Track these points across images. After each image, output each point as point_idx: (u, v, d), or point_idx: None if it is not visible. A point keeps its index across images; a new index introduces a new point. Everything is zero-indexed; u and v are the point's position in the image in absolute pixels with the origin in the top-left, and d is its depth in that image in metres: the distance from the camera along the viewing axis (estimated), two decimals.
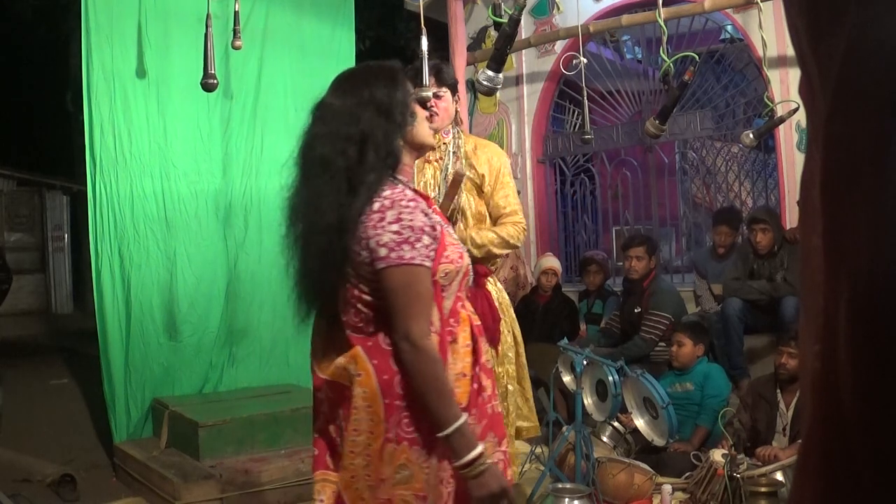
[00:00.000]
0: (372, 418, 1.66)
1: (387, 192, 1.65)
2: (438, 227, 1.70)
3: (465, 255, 1.80)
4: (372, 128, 1.67)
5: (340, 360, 1.71)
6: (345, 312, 1.72)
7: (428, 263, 1.65)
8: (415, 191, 1.78)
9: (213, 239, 5.00)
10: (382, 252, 1.61)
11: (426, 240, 1.64)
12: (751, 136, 4.63)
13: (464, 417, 1.63)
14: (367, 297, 1.68)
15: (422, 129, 1.81)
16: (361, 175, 1.65)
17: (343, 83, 1.77)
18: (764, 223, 4.89)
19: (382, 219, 1.63)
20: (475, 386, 1.76)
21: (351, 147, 1.66)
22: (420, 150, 1.87)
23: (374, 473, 1.66)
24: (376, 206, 1.64)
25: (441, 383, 1.63)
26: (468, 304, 1.86)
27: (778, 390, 3.94)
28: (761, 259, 4.92)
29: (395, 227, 1.62)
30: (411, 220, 1.63)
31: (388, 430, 1.65)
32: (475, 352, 1.78)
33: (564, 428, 3.84)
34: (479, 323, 1.86)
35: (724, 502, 3.32)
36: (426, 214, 1.67)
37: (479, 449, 1.63)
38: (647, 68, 6.59)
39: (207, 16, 3.71)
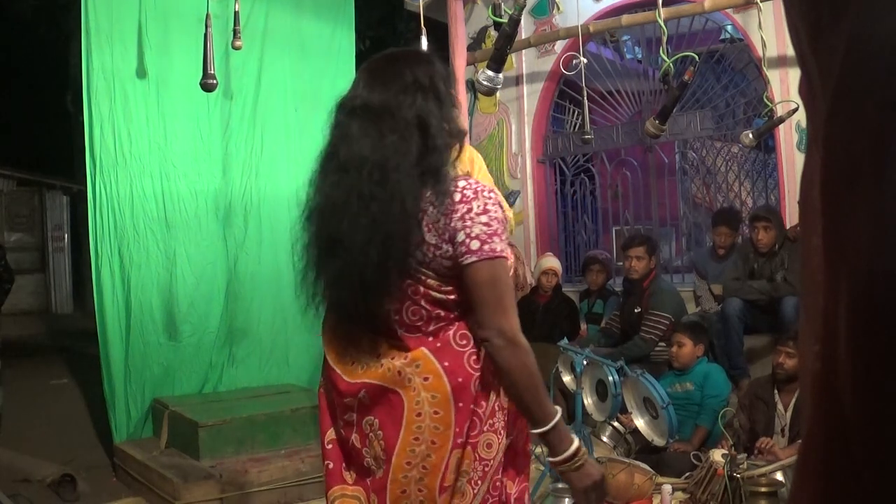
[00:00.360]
0: (437, 425, 1.55)
1: (462, 183, 1.56)
2: None
3: None
4: (427, 113, 1.56)
5: (394, 362, 1.57)
6: (398, 311, 1.58)
7: (510, 257, 1.59)
8: None
9: (213, 239, 5.00)
10: (474, 245, 1.51)
11: (505, 233, 1.58)
12: (751, 136, 4.64)
13: (559, 412, 1.56)
14: (437, 294, 1.56)
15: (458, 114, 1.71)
16: (431, 164, 1.54)
17: (375, 74, 1.63)
18: (766, 220, 4.90)
19: (469, 210, 1.52)
20: None
21: (412, 136, 1.54)
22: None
23: (430, 486, 1.56)
24: (457, 196, 1.53)
25: (538, 379, 1.55)
26: None
27: (776, 391, 3.94)
28: (762, 258, 4.91)
29: (484, 219, 1.52)
30: (496, 212, 1.54)
31: (458, 436, 1.55)
32: None
33: None
34: None
35: (724, 502, 3.32)
36: (501, 207, 1.59)
37: (577, 442, 1.57)
38: (647, 68, 6.59)
39: (207, 16, 3.72)
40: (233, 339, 5.08)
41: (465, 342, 1.58)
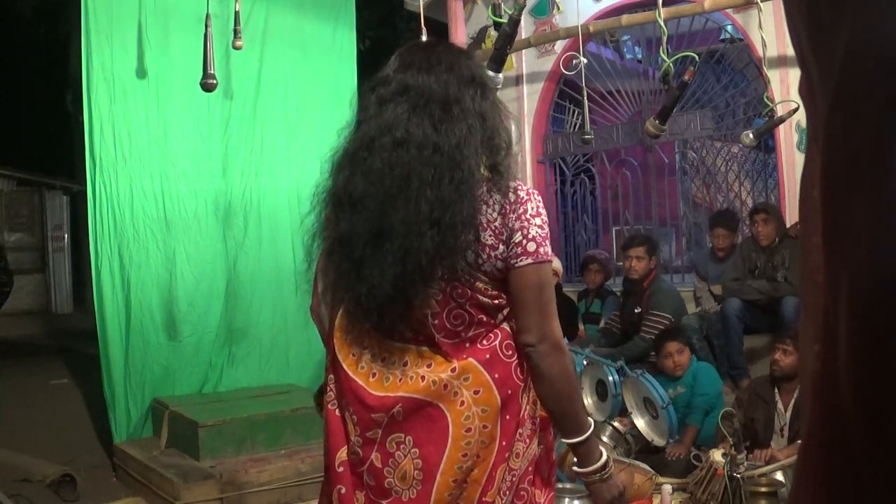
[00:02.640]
0: (485, 440, 1.48)
1: (513, 184, 1.51)
2: None
3: None
4: (487, 111, 1.52)
5: (440, 375, 1.47)
6: (437, 315, 1.47)
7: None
8: None
9: (213, 239, 5.00)
10: (531, 247, 1.46)
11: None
12: (751, 136, 4.64)
13: (593, 424, 1.56)
14: (482, 298, 1.48)
15: None
16: (492, 160, 1.50)
17: (430, 57, 1.53)
18: (765, 213, 4.94)
19: (525, 211, 1.48)
20: None
21: (477, 128, 1.48)
22: None
23: (470, 499, 1.50)
24: (512, 196, 1.48)
25: (577, 388, 1.54)
26: None
27: (776, 390, 3.94)
28: (764, 253, 4.92)
29: (538, 221, 1.48)
30: (545, 216, 1.51)
31: (504, 450, 1.50)
32: None
33: None
34: None
35: (724, 502, 3.32)
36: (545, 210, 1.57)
37: (606, 453, 1.56)
38: (647, 68, 6.59)
39: (207, 16, 3.71)
40: (233, 339, 5.08)
41: (510, 352, 1.53)
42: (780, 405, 3.91)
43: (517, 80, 6.92)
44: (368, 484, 1.53)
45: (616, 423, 4.06)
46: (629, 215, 6.87)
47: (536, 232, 1.48)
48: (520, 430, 1.56)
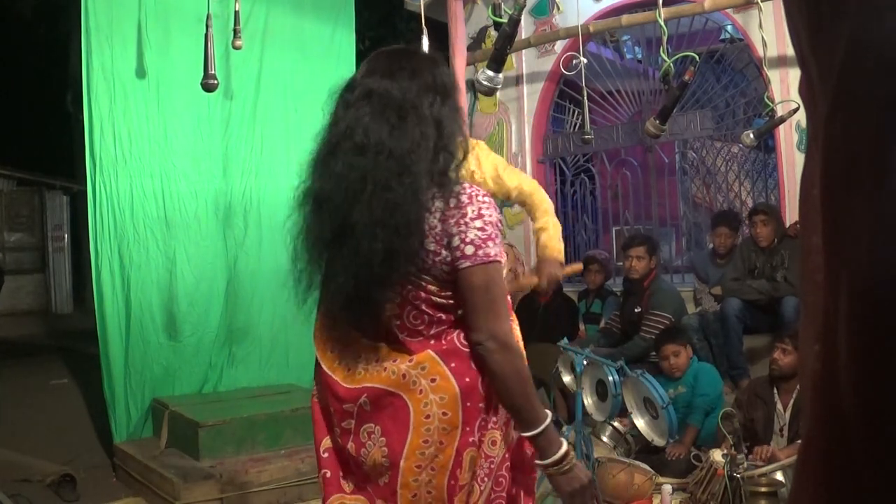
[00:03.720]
0: (446, 426, 1.56)
1: (457, 188, 1.55)
2: None
3: None
4: (444, 117, 1.56)
5: (397, 365, 1.57)
6: (398, 316, 1.58)
7: (503, 260, 1.58)
8: None
9: (213, 239, 5.00)
10: (469, 250, 1.52)
11: (499, 237, 1.58)
12: (751, 136, 4.64)
13: (549, 416, 1.58)
14: (437, 299, 1.56)
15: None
16: (441, 166, 1.54)
17: (395, 63, 1.60)
18: (764, 214, 4.93)
19: (464, 215, 1.53)
20: None
21: (431, 134, 1.54)
22: None
23: (439, 486, 1.57)
24: (452, 202, 1.54)
25: (529, 383, 1.57)
26: None
27: (775, 390, 3.94)
28: (763, 254, 4.92)
29: (478, 224, 1.53)
30: (490, 216, 1.55)
31: (469, 434, 1.57)
32: None
33: (564, 428, 3.84)
34: None
35: (724, 502, 3.32)
36: (497, 209, 1.60)
37: (565, 445, 1.59)
38: (647, 68, 6.59)
39: (207, 16, 3.72)
40: (233, 339, 5.09)
41: (469, 343, 1.58)
42: (779, 405, 3.91)
43: (517, 80, 6.92)
44: (354, 471, 1.65)
45: (616, 423, 4.06)
46: (629, 215, 6.87)
47: (475, 235, 1.52)
48: (494, 419, 1.60)
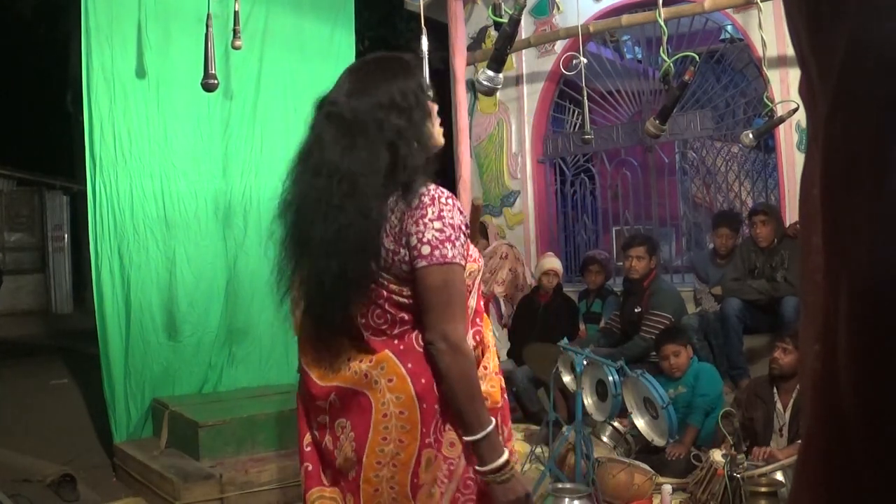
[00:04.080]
0: (404, 425, 1.58)
1: (423, 189, 1.58)
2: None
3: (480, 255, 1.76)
4: (399, 135, 1.59)
5: (360, 364, 1.61)
6: (363, 315, 1.61)
7: (464, 263, 1.59)
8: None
9: (213, 239, 5.00)
10: (425, 250, 1.54)
11: (462, 238, 1.59)
12: (751, 136, 4.64)
13: (493, 423, 1.58)
14: (398, 298, 1.58)
15: (437, 131, 1.72)
16: (400, 179, 1.57)
17: (356, 81, 1.65)
18: (764, 214, 4.94)
19: (424, 216, 1.55)
20: (503, 385, 1.72)
21: (382, 155, 1.58)
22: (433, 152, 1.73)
23: (402, 482, 1.59)
24: (415, 202, 1.56)
25: (476, 387, 1.58)
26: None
27: (774, 389, 3.94)
28: (763, 254, 4.92)
29: (437, 225, 1.55)
30: (451, 218, 1.57)
31: (426, 436, 1.58)
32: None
33: (564, 428, 3.84)
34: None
35: (724, 502, 3.32)
36: (461, 212, 1.61)
37: (506, 454, 1.59)
38: (647, 68, 6.59)
39: (207, 16, 3.72)
40: (233, 339, 5.08)
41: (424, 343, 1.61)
42: (779, 405, 3.91)
43: (517, 80, 6.93)
44: (330, 465, 1.70)
45: (616, 423, 4.06)
46: (629, 215, 6.87)
47: (433, 235, 1.54)
48: (453, 420, 1.60)
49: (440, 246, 1.54)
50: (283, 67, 5.25)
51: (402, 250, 1.56)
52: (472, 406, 1.56)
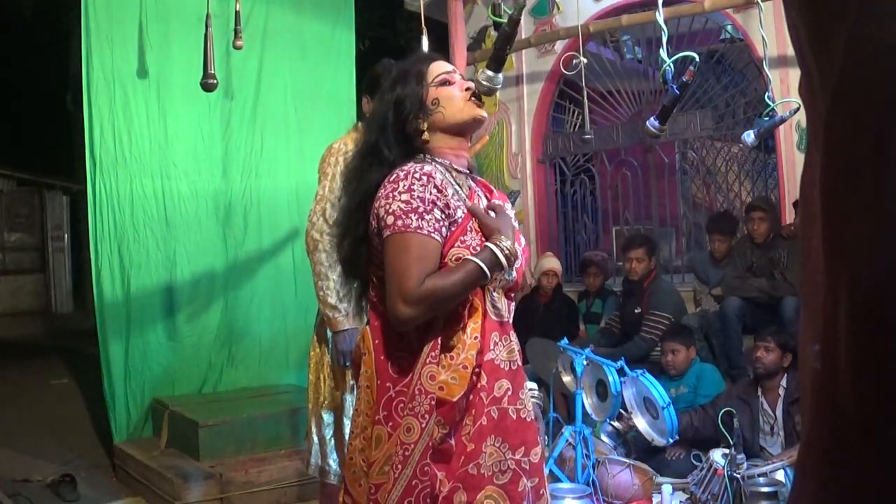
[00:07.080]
0: (370, 399, 1.65)
1: (405, 166, 1.65)
2: (460, 211, 1.64)
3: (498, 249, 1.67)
4: (385, 122, 1.75)
5: (360, 340, 1.75)
6: (367, 290, 1.77)
7: (437, 237, 1.59)
8: (475, 179, 1.82)
9: (213, 239, 5.00)
10: (389, 220, 1.59)
11: (437, 214, 1.60)
12: (751, 136, 4.63)
13: (483, 254, 1.62)
14: (380, 272, 1.66)
15: (451, 109, 1.75)
16: (380, 158, 1.73)
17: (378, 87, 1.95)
18: (760, 210, 4.93)
19: (395, 188, 1.61)
20: (474, 380, 1.63)
21: (375, 138, 1.76)
22: (460, 129, 1.78)
23: (368, 458, 1.64)
24: (391, 177, 1.64)
25: (455, 286, 1.58)
26: (503, 301, 1.74)
27: (759, 389, 3.94)
28: (759, 250, 4.92)
29: (405, 197, 1.59)
30: (422, 193, 1.60)
31: (376, 413, 1.62)
32: (481, 348, 1.65)
33: (564, 428, 3.84)
34: (504, 321, 1.74)
35: (725, 502, 3.32)
36: (440, 191, 1.62)
37: (489, 251, 1.63)
38: (647, 68, 6.58)
39: (207, 16, 3.71)
40: (232, 339, 5.08)
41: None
42: (765, 405, 3.91)
43: (517, 80, 6.92)
44: None
45: (616, 423, 4.06)
46: (629, 215, 6.86)
47: (398, 206, 1.59)
48: (412, 405, 1.57)
49: (403, 216, 1.58)
50: (283, 67, 5.25)
51: (373, 223, 1.65)
52: (467, 280, 1.59)
